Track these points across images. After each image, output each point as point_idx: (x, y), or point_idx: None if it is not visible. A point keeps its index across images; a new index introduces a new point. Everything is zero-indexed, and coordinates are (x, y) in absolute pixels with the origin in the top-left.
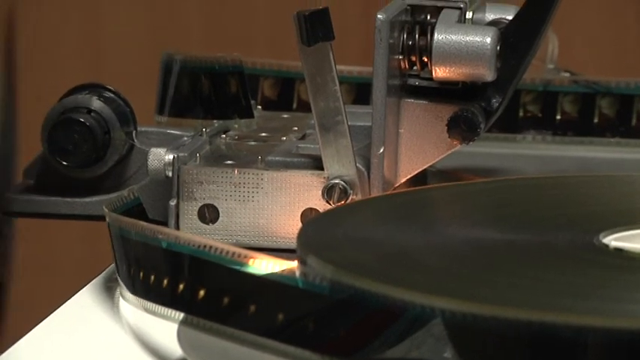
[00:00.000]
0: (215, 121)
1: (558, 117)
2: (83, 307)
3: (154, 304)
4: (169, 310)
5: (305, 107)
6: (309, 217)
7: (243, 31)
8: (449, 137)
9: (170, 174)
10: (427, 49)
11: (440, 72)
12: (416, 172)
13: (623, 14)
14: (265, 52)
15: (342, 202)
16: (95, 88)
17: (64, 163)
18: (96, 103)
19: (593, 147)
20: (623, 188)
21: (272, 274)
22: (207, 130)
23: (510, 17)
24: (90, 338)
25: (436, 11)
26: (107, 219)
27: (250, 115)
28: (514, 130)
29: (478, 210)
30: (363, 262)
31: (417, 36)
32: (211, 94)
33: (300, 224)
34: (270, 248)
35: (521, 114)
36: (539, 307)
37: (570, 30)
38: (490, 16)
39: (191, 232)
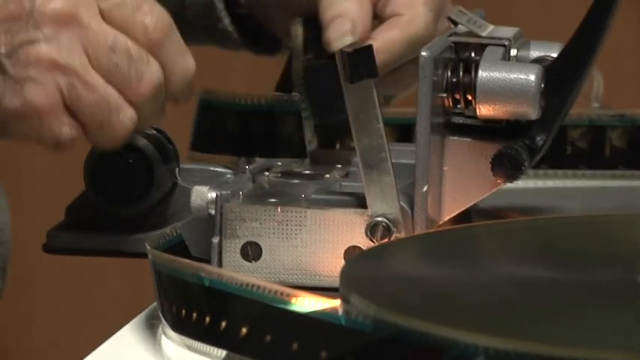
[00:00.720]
0: (258, 158)
1: (606, 152)
2: (125, 345)
3: (196, 342)
4: (212, 348)
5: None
6: (353, 255)
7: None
8: (493, 175)
9: (213, 212)
10: (471, 87)
11: (484, 110)
12: (460, 210)
13: None
14: None
15: (386, 240)
16: None
17: (107, 200)
18: (139, 141)
19: None
20: None
21: (315, 312)
22: (250, 168)
23: (555, 54)
24: None
25: (480, 48)
26: (150, 256)
27: (303, 155)
28: (561, 166)
29: (522, 248)
30: (406, 300)
31: (461, 73)
32: (265, 132)
33: (343, 262)
34: (313, 286)
35: (568, 150)
36: (583, 345)
37: (615, 67)
38: (534, 54)
39: (234, 270)
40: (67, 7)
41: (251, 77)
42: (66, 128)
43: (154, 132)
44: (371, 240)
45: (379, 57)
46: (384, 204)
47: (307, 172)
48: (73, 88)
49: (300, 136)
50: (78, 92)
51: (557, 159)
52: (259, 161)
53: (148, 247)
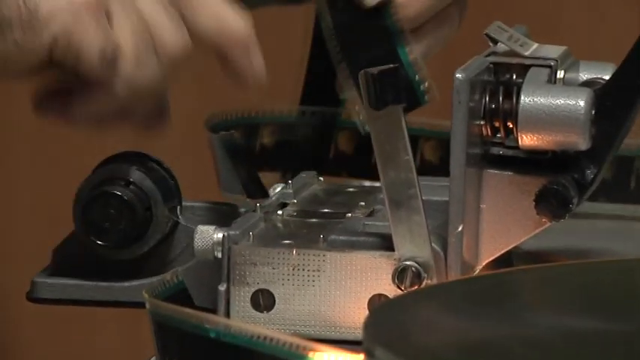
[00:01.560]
0: (272, 195)
1: None
2: None
3: None
4: None
5: (428, 166)
6: (378, 303)
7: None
8: (537, 214)
9: (219, 255)
10: (512, 114)
11: (527, 139)
12: (499, 253)
13: None
14: None
15: (415, 287)
16: (135, 157)
17: (100, 242)
18: (135, 174)
19: None
20: None
21: None
22: (262, 206)
23: (607, 77)
24: None
25: (523, 70)
26: (148, 306)
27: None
28: (622, 200)
29: (569, 295)
30: (439, 354)
31: (500, 98)
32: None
33: (367, 312)
34: (334, 339)
35: (633, 183)
36: None
37: None
38: (584, 76)
39: (243, 321)
40: None
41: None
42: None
43: (153, 164)
44: (398, 287)
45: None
46: (413, 246)
47: (326, 210)
48: None
49: (324, 148)
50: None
51: (618, 192)
52: (272, 198)
53: (146, 296)
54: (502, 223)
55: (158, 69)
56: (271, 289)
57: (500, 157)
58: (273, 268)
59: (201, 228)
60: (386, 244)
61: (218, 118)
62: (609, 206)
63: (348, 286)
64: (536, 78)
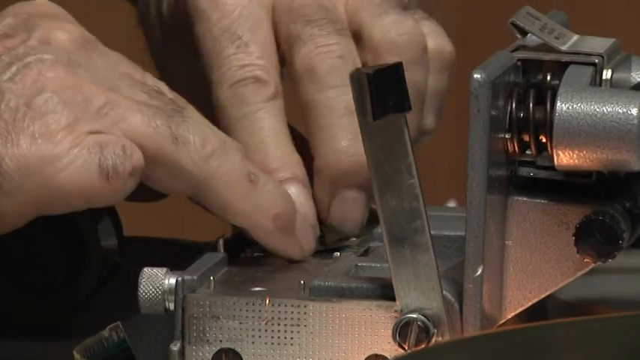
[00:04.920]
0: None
1: None
2: None
3: None
4: None
5: None
6: None
7: None
8: (578, 252)
9: (172, 306)
10: (546, 125)
11: (564, 158)
12: (530, 303)
13: None
14: None
15: (422, 346)
16: None
17: (19, 290)
18: None
19: None
20: None
21: None
22: (224, 239)
23: None
24: None
25: (559, 69)
26: None
27: None
28: None
29: (617, 355)
30: None
31: (531, 105)
32: None
33: None
34: None
35: None
36: None
37: None
38: (638, 76)
39: None
40: None
41: None
42: None
43: None
44: (400, 345)
45: None
46: (419, 294)
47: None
48: None
49: None
50: None
51: None
52: (238, 233)
53: (78, 357)
54: (533, 265)
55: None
56: (238, 349)
57: (531, 180)
58: (240, 323)
59: (147, 271)
60: (384, 291)
61: None
62: None
63: (336, 345)
64: (575, 79)
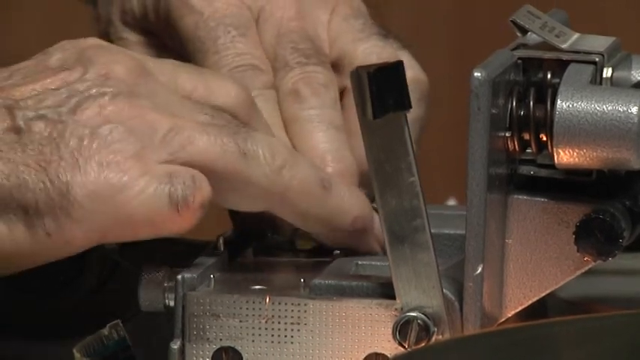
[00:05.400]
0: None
1: None
2: None
3: None
4: None
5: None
6: None
7: None
8: (578, 251)
9: (172, 304)
10: (546, 123)
11: (565, 156)
12: (530, 302)
13: None
14: None
15: (422, 344)
16: None
17: (19, 290)
18: None
19: None
20: None
21: None
22: (226, 238)
23: None
24: None
25: (560, 67)
26: None
27: None
28: None
29: (618, 353)
30: None
31: (531, 103)
32: None
33: None
34: None
35: None
36: None
37: None
38: (638, 75)
39: None
40: None
41: None
42: None
43: None
44: (400, 344)
45: None
46: (419, 292)
47: (308, 246)
48: None
49: None
50: None
51: None
52: (239, 232)
53: (78, 356)
54: (534, 263)
55: None
56: (238, 347)
57: (531, 178)
58: (241, 321)
59: (148, 270)
60: (384, 290)
61: None
62: None
63: (336, 344)
64: (576, 77)
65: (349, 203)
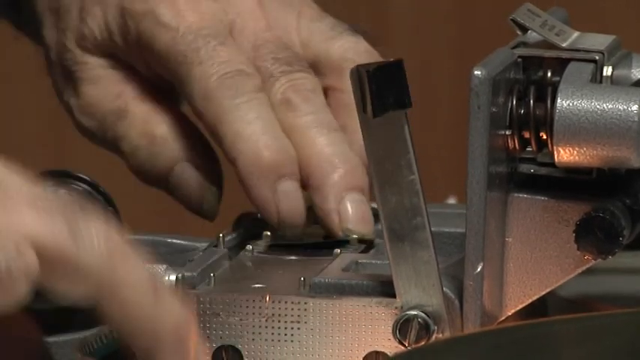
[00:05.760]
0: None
1: None
2: None
3: None
4: None
5: None
6: None
7: None
8: (578, 249)
9: None
10: (546, 121)
11: (565, 154)
12: (530, 300)
13: None
14: None
15: (422, 343)
16: (60, 178)
17: None
18: None
19: None
20: None
21: None
22: (226, 238)
23: None
24: None
25: (560, 65)
26: None
27: None
28: None
29: (619, 352)
30: None
31: (531, 102)
32: None
33: None
34: None
35: None
36: None
37: None
38: (638, 73)
39: None
40: None
41: None
42: None
43: (86, 187)
44: (401, 342)
45: None
46: (419, 291)
47: (308, 244)
48: None
49: None
50: None
51: None
52: (239, 230)
53: (78, 355)
54: (534, 262)
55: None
56: (238, 346)
57: (532, 177)
58: (241, 320)
59: (147, 268)
60: (384, 288)
61: None
62: None
63: (336, 342)
64: (576, 76)
65: (176, 308)
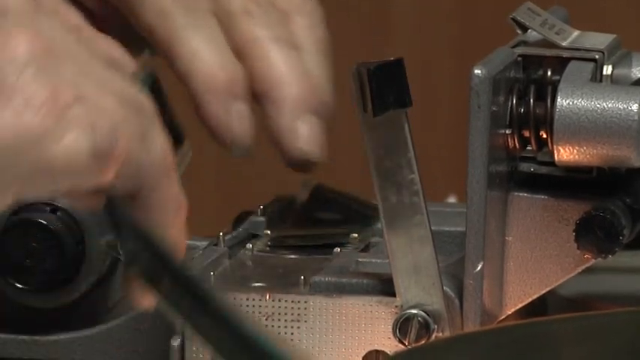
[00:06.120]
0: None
1: None
2: None
3: None
4: None
5: None
6: None
7: None
8: (578, 248)
9: None
10: (546, 120)
11: (565, 153)
12: (530, 299)
13: None
14: None
15: (422, 342)
16: None
17: (19, 285)
18: (62, 199)
19: None
20: None
21: None
22: (226, 237)
23: None
24: None
25: (560, 64)
26: None
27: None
28: None
29: (620, 351)
30: None
31: (531, 101)
32: None
33: None
34: None
35: None
36: None
37: None
38: (639, 72)
39: None
40: None
41: None
42: None
43: None
44: (401, 341)
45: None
46: (419, 290)
47: (308, 243)
48: None
49: None
50: None
51: None
52: (239, 229)
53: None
54: (534, 261)
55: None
56: None
57: (532, 176)
58: None
59: None
60: (384, 287)
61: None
62: None
63: (336, 341)
64: (576, 75)
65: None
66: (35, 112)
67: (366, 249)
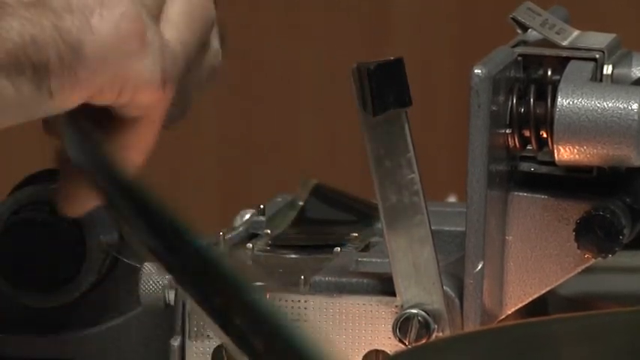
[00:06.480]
0: (239, 223)
1: None
2: None
3: None
4: None
5: None
6: None
7: None
8: (578, 248)
9: (172, 301)
10: (547, 120)
11: (565, 153)
12: (530, 299)
13: None
14: None
15: (423, 341)
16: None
17: (18, 284)
18: None
19: None
20: None
21: None
22: (227, 237)
23: None
24: None
25: (560, 64)
26: None
27: None
28: None
29: (620, 351)
30: None
31: (531, 100)
32: None
33: None
34: None
35: None
36: None
37: None
38: (639, 72)
39: None
40: None
41: None
42: None
43: None
44: (401, 341)
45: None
46: (419, 289)
47: (308, 243)
48: None
49: None
50: None
51: None
52: (239, 228)
53: None
54: (534, 260)
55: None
56: None
57: (532, 175)
58: None
59: (148, 266)
60: (385, 286)
61: None
62: None
63: (336, 340)
64: (576, 74)
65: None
66: (127, 30)
67: (366, 249)
